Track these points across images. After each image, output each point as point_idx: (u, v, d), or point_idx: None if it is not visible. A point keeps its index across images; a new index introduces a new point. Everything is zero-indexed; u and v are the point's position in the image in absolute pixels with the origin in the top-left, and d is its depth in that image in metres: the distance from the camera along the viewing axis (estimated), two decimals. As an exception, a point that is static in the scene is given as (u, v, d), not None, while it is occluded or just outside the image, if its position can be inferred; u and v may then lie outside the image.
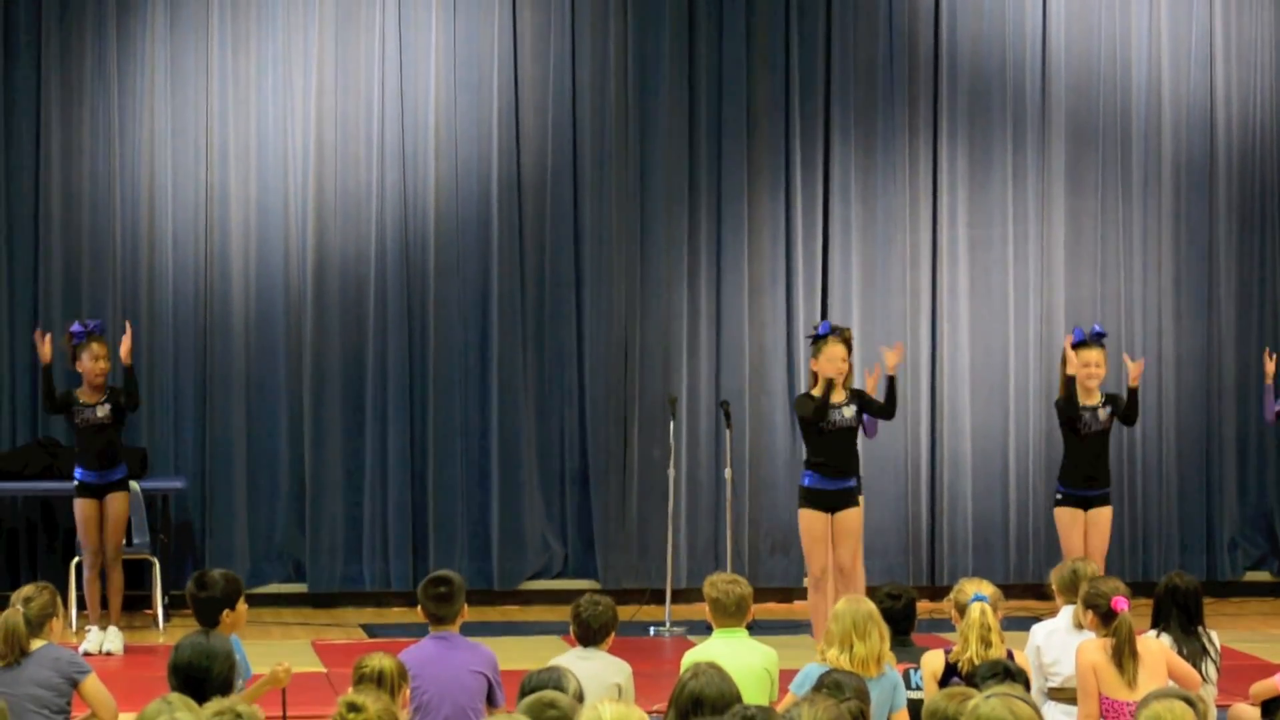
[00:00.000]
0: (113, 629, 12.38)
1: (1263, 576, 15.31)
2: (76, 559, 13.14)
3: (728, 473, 13.59)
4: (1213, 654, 8.93)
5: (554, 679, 6.84)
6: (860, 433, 12.20)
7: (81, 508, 12.41)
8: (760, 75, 14.71)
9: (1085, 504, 12.28)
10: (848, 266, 14.77)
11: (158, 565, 13.36)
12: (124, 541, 12.69)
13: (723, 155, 14.68)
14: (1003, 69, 14.91)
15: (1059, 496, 12.39)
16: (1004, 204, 14.94)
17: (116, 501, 12.42)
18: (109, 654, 12.15)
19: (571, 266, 14.55)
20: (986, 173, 14.93)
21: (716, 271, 14.69)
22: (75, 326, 12.49)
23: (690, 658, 8.03)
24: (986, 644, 8.19)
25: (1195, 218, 15.14)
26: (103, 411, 12.36)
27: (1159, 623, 8.96)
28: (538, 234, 14.52)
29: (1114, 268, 15.05)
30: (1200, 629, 8.95)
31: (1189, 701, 6.00)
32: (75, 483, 12.43)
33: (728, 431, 13.65)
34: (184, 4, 14.12)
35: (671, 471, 13.54)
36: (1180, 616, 8.92)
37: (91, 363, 12.31)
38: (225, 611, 8.09)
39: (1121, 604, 8.27)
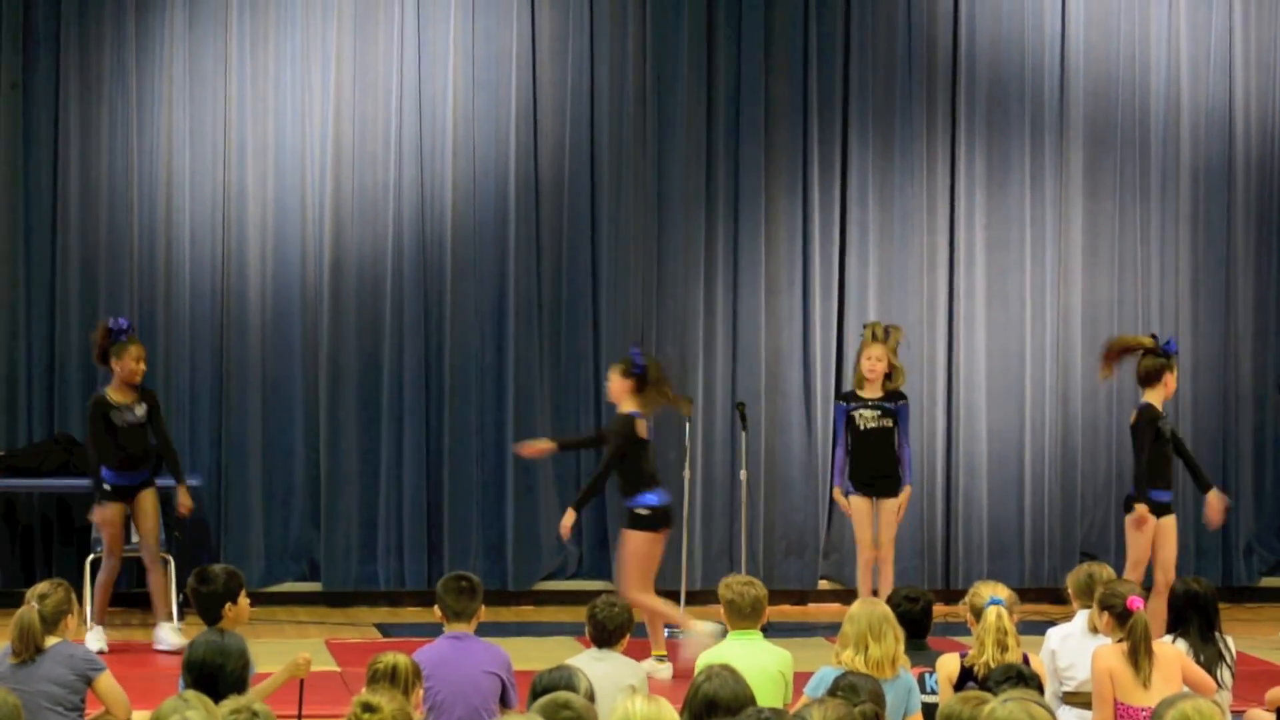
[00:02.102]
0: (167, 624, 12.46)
1: (1278, 582, 15.28)
2: (92, 556, 13.15)
3: (743, 474, 13.57)
4: (1229, 660, 8.90)
5: (565, 679, 6.84)
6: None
7: (112, 511, 12.28)
8: (778, 76, 14.70)
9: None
10: (864, 268, 14.76)
11: (173, 563, 13.34)
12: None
13: (740, 156, 14.67)
14: (1021, 72, 14.90)
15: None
16: (1021, 207, 14.92)
17: (149, 499, 12.37)
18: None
19: (588, 267, 14.54)
20: (1004, 175, 14.92)
21: (733, 273, 14.69)
22: (118, 323, 12.37)
23: (704, 660, 8.02)
24: (1003, 648, 8.15)
25: (1213, 222, 15.12)
26: (140, 411, 12.33)
27: (1176, 628, 8.93)
28: (555, 234, 14.52)
29: (1131, 272, 15.02)
30: (1217, 634, 8.93)
31: (1215, 705, 5.99)
32: (106, 486, 12.27)
33: (743, 433, 13.63)
34: (203, 2, 14.13)
35: (687, 473, 13.52)
36: (1199, 622, 8.89)
37: (134, 364, 12.20)
38: (227, 605, 8.09)
39: (1137, 603, 8.25)
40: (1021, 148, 14.91)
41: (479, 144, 14.41)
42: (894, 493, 12.69)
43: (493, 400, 14.41)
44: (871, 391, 12.67)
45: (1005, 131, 14.91)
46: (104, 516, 12.36)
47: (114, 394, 12.31)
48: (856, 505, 12.70)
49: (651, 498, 11.77)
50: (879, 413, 12.64)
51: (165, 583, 12.58)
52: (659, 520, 11.77)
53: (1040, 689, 7.47)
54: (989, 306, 14.87)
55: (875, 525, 12.71)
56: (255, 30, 14.18)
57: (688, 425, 13.59)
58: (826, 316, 14.71)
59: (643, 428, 11.85)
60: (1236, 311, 15.13)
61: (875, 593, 12.51)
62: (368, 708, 6.07)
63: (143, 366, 12.32)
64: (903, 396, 12.77)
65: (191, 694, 5.93)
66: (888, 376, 12.68)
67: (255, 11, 14.17)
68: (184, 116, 14.13)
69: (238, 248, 14.19)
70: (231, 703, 5.78)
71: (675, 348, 14.59)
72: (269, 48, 14.20)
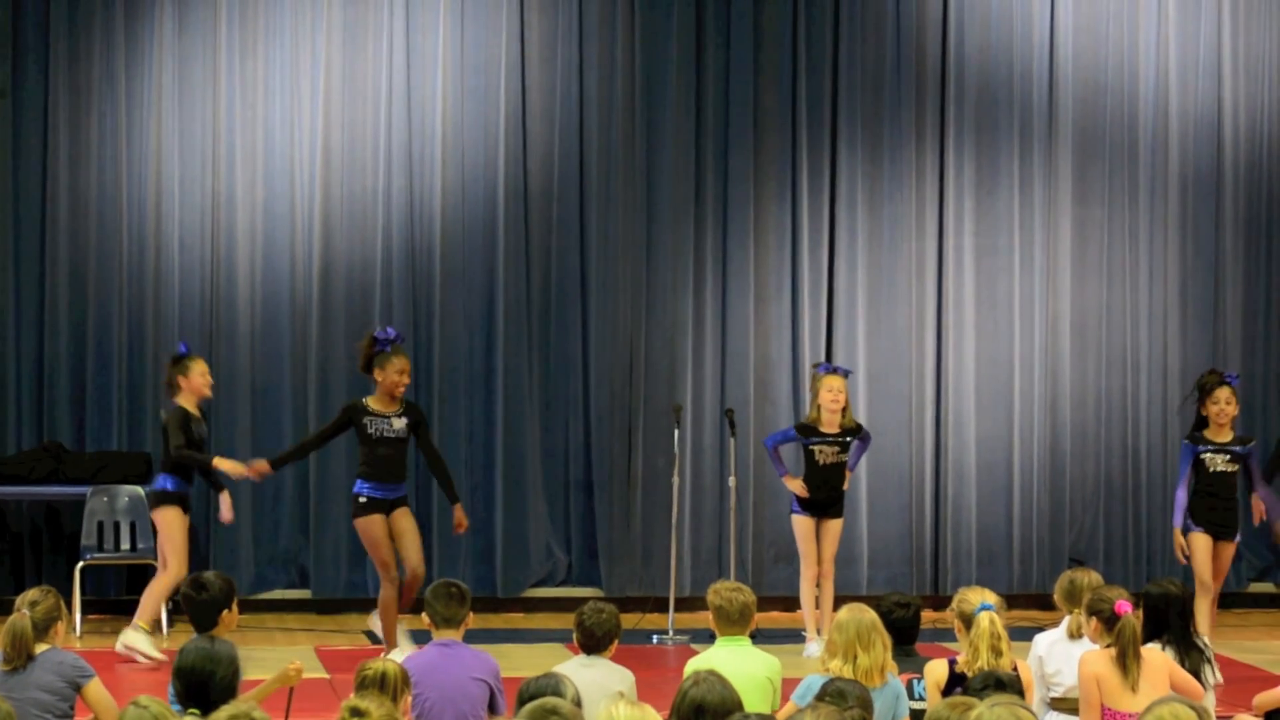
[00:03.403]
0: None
1: (1267, 588, 15.31)
2: (81, 563, 13.15)
3: (732, 481, 13.60)
4: (1210, 657, 8.93)
5: (551, 685, 6.86)
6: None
7: (373, 525, 11.88)
8: (767, 83, 14.72)
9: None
10: (853, 275, 14.78)
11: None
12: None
13: (729, 163, 14.70)
14: (1010, 79, 14.92)
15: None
16: (1010, 213, 14.94)
17: (407, 518, 12.01)
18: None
19: (577, 275, 14.56)
20: (993, 182, 14.94)
21: (722, 280, 14.70)
22: (385, 332, 12.14)
23: (693, 666, 8.03)
24: (997, 653, 8.15)
25: (1201, 229, 15.15)
26: (399, 424, 11.98)
27: (1161, 635, 8.91)
28: (544, 242, 14.53)
29: (1120, 278, 15.05)
30: (1196, 635, 8.95)
31: (1194, 710, 6.00)
32: (362, 499, 11.90)
33: (732, 440, 13.65)
34: (192, 10, 14.15)
35: (676, 480, 13.54)
36: (1179, 625, 8.90)
37: (396, 376, 11.90)
38: (224, 613, 8.11)
39: (1125, 607, 8.27)
40: (1010, 154, 14.94)
41: (468, 151, 14.42)
42: (839, 514, 12.94)
43: (481, 407, 14.42)
44: (831, 426, 12.78)
45: (994, 138, 14.94)
46: (368, 532, 11.94)
47: (374, 403, 11.99)
48: (801, 524, 12.87)
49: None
50: (838, 448, 12.79)
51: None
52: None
53: (1020, 694, 7.49)
54: (978, 313, 14.89)
55: (819, 543, 12.87)
56: (244, 38, 14.19)
57: (676, 432, 13.61)
58: (815, 323, 14.72)
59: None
60: (1225, 317, 15.16)
61: (817, 603, 12.79)
62: (356, 712, 6.08)
63: (405, 379, 11.95)
64: (857, 432, 12.91)
65: (145, 698, 6.01)
66: (842, 411, 12.84)
67: (244, 20, 14.17)
68: (173, 124, 14.13)
69: (227, 255, 14.19)
70: (230, 708, 5.80)
71: (665, 354, 14.60)
72: (258, 56, 14.21)
